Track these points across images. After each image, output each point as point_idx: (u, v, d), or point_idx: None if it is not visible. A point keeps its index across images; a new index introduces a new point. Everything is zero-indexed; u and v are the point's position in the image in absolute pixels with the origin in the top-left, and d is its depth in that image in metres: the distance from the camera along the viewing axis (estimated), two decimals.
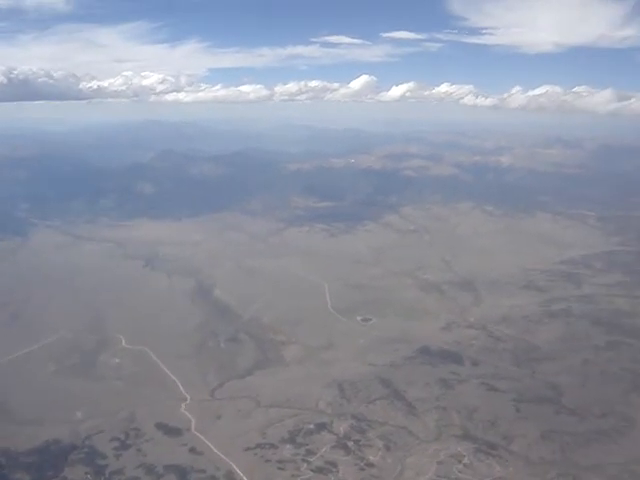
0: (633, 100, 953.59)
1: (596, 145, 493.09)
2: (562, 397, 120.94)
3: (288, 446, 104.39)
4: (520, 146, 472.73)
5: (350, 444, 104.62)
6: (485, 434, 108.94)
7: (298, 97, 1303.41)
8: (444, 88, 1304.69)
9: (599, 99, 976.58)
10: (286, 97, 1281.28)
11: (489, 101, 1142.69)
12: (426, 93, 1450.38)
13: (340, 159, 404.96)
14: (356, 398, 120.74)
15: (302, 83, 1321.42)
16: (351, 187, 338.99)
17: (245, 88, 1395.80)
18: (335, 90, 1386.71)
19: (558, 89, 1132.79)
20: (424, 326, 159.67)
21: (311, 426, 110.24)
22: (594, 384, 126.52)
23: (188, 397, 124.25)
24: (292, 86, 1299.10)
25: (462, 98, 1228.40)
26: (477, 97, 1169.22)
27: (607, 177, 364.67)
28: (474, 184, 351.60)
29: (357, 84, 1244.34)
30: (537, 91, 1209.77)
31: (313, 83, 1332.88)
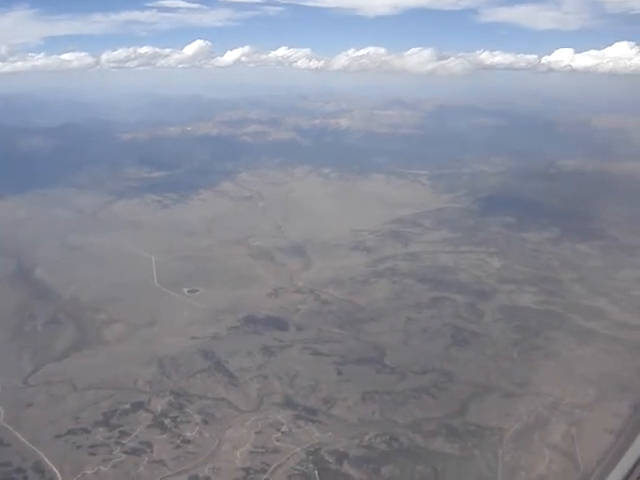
0: (451, 59, 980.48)
1: (433, 106, 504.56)
2: (385, 357, 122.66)
3: (101, 429, 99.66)
4: (360, 108, 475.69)
5: (167, 422, 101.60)
6: (306, 400, 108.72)
7: (127, 64, 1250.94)
8: (281, 52, 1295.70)
9: (418, 59, 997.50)
10: (114, 64, 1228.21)
11: (316, 63, 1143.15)
12: (263, 57, 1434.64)
13: (177, 127, 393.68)
14: (176, 373, 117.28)
15: (131, 49, 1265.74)
16: (186, 155, 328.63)
17: (67, 56, 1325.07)
18: (167, 56, 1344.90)
19: (382, 50, 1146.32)
20: (251, 294, 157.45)
21: (127, 406, 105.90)
22: (416, 342, 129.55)
23: None
24: (120, 53, 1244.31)
25: (295, 62, 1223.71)
26: (310, 60, 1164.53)
27: (442, 137, 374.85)
28: (312, 148, 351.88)
29: (190, 50, 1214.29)
30: (360, 52, 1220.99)
31: (144, 49, 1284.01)
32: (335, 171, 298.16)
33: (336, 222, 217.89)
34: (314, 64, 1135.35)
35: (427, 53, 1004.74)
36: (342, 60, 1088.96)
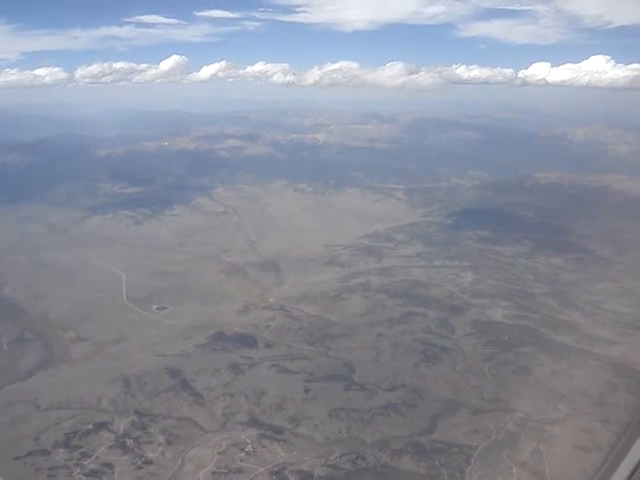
0: (421, 73, 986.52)
1: (411, 119, 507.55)
2: (354, 374, 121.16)
3: (62, 450, 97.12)
4: (337, 123, 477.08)
5: (129, 442, 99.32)
6: (272, 419, 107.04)
7: (102, 79, 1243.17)
8: (258, 67, 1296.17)
9: (389, 73, 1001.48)
10: (89, 80, 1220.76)
11: (288, 78, 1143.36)
12: (240, 72, 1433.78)
13: (153, 142, 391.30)
14: (141, 392, 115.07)
15: (106, 65, 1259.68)
16: (162, 171, 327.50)
17: (40, 71, 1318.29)
18: (143, 71, 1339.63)
19: (355, 64, 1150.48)
20: (221, 311, 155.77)
21: (89, 426, 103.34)
22: (386, 358, 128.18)
23: None
24: (95, 68, 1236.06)
25: (271, 77, 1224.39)
26: (286, 75, 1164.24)
27: (418, 150, 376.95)
28: (288, 163, 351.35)
29: (167, 65, 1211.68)
30: (333, 67, 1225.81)
31: (119, 64, 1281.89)
32: (311, 186, 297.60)
33: (310, 237, 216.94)
34: (289, 79, 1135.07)
35: (398, 67, 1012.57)
36: (314, 75, 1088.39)
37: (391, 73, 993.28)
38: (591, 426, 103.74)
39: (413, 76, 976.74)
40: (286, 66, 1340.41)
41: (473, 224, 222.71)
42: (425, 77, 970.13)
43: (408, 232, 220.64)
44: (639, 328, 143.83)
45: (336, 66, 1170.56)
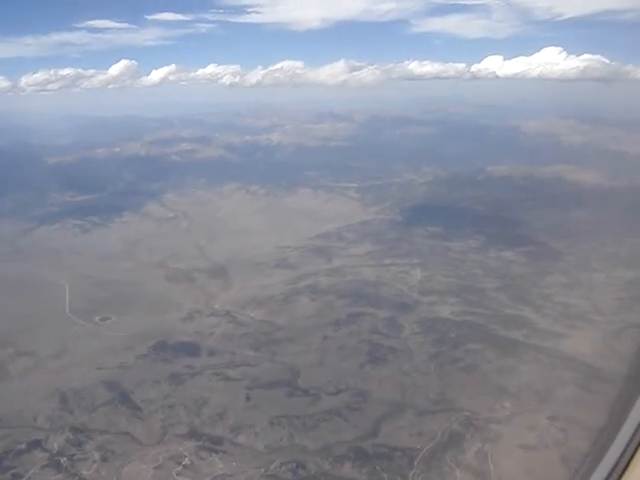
0: (364, 70, 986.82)
1: (366, 117, 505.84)
2: (298, 379, 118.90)
3: None
4: (292, 123, 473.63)
5: (63, 460, 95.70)
6: (212, 429, 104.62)
7: (49, 86, 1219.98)
8: (210, 69, 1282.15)
9: (331, 71, 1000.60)
10: (36, 87, 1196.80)
11: (231, 79, 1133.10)
12: (192, 75, 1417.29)
13: (105, 149, 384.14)
14: (78, 408, 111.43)
15: (52, 72, 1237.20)
16: (113, 177, 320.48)
17: None
18: (91, 77, 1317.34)
19: (299, 64, 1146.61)
20: (165, 319, 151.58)
21: (22, 446, 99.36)
22: (332, 361, 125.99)
23: None
24: (40, 75, 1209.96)
25: (221, 79, 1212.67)
26: (236, 77, 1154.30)
27: (373, 148, 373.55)
28: (241, 165, 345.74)
29: (116, 70, 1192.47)
30: (275, 66, 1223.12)
31: (66, 71, 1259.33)
32: (263, 187, 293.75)
33: (260, 240, 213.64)
34: (231, 80, 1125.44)
35: (340, 65, 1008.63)
36: (257, 75, 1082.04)
37: (332, 71, 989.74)
38: (538, 423, 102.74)
39: (355, 73, 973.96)
40: (238, 68, 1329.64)
41: (424, 220, 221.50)
42: (367, 74, 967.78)
43: (359, 231, 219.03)
44: (589, 320, 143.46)
45: (278, 66, 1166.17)
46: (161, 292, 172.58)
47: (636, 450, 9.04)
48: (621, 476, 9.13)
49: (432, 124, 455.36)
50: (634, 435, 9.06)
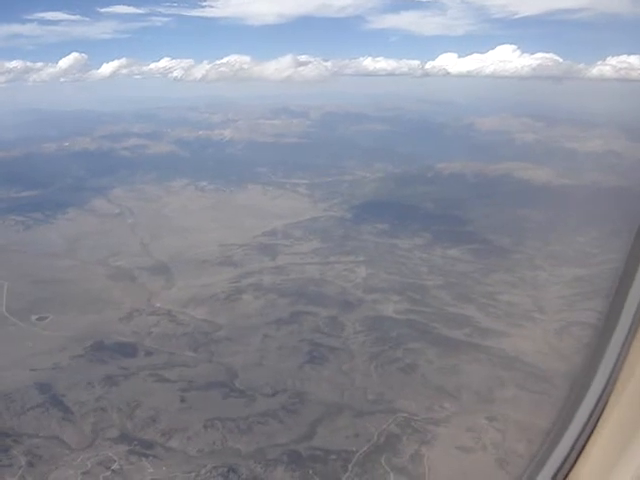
0: (309, 66, 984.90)
1: (321, 113, 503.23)
2: (236, 379, 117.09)
3: None
4: (246, 118, 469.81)
5: None
6: (144, 432, 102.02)
7: None
8: (163, 63, 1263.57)
9: (276, 66, 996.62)
10: None
11: (176, 74, 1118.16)
12: (144, 68, 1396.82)
13: (54, 143, 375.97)
14: (7, 411, 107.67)
15: None
16: (60, 173, 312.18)
17: None
18: (40, 70, 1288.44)
19: (247, 58, 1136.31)
20: (103, 319, 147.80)
21: None
22: (270, 361, 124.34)
23: None
24: None
25: (172, 72, 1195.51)
26: (186, 70, 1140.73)
27: (326, 144, 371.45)
28: (192, 160, 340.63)
29: (65, 63, 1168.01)
30: (221, 61, 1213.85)
31: (13, 63, 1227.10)
32: (212, 184, 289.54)
33: (205, 237, 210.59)
34: (176, 74, 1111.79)
35: (286, 60, 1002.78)
36: (202, 69, 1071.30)
37: (278, 66, 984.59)
38: (476, 424, 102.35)
39: (300, 68, 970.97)
40: (191, 62, 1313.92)
41: (372, 217, 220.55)
42: (311, 69, 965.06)
43: (306, 228, 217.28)
44: (531, 319, 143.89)
45: (224, 60, 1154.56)
46: (101, 291, 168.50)
47: (582, 450, 8.84)
48: (567, 476, 9.02)
49: (386, 121, 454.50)
50: (580, 435, 8.87)
